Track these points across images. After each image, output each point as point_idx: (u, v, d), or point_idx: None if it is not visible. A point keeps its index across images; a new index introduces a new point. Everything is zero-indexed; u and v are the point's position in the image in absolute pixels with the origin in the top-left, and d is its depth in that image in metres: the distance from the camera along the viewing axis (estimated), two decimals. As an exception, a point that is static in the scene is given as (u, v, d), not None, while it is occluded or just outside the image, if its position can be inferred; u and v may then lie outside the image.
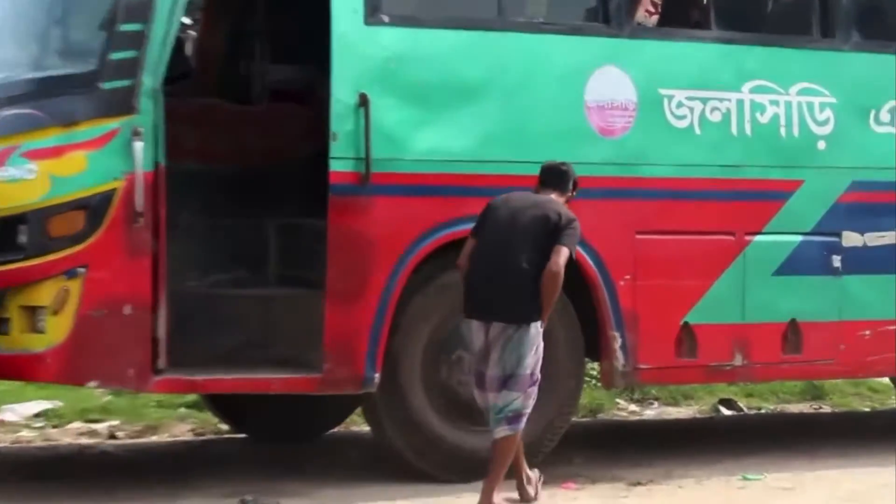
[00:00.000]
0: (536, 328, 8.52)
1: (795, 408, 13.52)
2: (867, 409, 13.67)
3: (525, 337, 8.46)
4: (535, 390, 8.56)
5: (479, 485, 9.23)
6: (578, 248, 9.58)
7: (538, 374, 8.60)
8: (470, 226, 9.14)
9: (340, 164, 9.14)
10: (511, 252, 8.58)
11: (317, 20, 9.29)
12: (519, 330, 8.47)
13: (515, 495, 8.93)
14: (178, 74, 9.33)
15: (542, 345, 8.58)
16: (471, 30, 9.64)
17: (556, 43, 9.85)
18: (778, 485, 9.80)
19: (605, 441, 10.09)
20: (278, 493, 9.12)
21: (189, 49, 10.59)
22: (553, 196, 8.83)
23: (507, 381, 8.45)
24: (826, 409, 13.50)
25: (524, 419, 8.57)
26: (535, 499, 9.01)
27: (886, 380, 13.50)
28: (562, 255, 8.54)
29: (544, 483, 9.23)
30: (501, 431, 8.53)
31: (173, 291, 8.93)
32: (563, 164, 9.02)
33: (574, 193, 8.96)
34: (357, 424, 11.20)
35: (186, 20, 9.40)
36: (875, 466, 10.31)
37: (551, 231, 8.55)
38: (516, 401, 8.46)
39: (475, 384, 8.72)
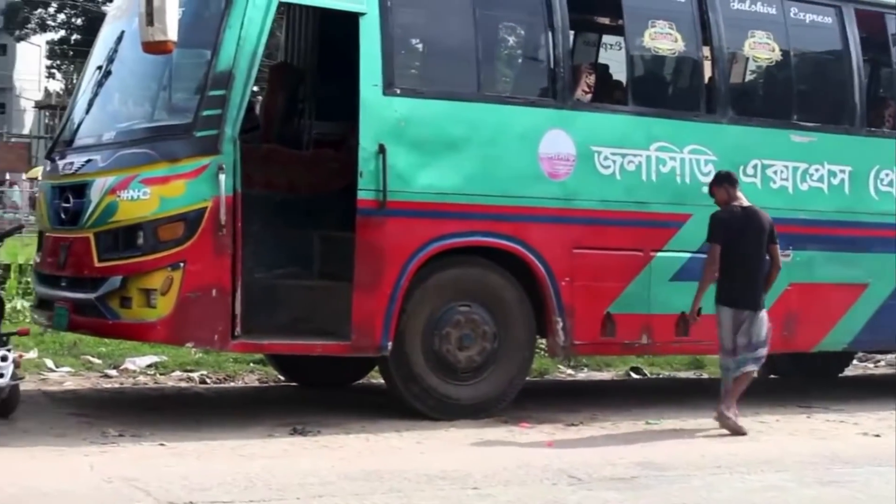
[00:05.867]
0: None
1: (683, 374, 13.42)
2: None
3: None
4: None
5: (460, 423, 9.23)
6: (532, 257, 9.56)
7: None
8: (453, 241, 9.32)
9: (365, 193, 9.02)
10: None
11: (348, 90, 9.22)
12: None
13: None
14: (249, 127, 9.30)
15: None
16: (457, 100, 9.50)
17: (519, 111, 9.72)
18: (671, 427, 9.71)
19: (549, 395, 10.00)
20: (319, 425, 9.04)
21: (257, 109, 10.52)
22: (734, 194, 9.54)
23: None
24: (705, 375, 13.39)
25: None
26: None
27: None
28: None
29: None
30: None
31: (246, 281, 8.84)
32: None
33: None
34: (374, 378, 11.08)
35: (255, 88, 9.28)
36: (707, 417, 9.95)
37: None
38: None
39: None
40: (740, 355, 9.45)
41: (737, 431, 9.33)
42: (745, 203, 9.60)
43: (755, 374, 9.64)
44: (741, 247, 9.45)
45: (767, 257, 9.54)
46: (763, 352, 9.51)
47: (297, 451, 8.24)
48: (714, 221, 9.60)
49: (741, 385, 9.50)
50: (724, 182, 9.66)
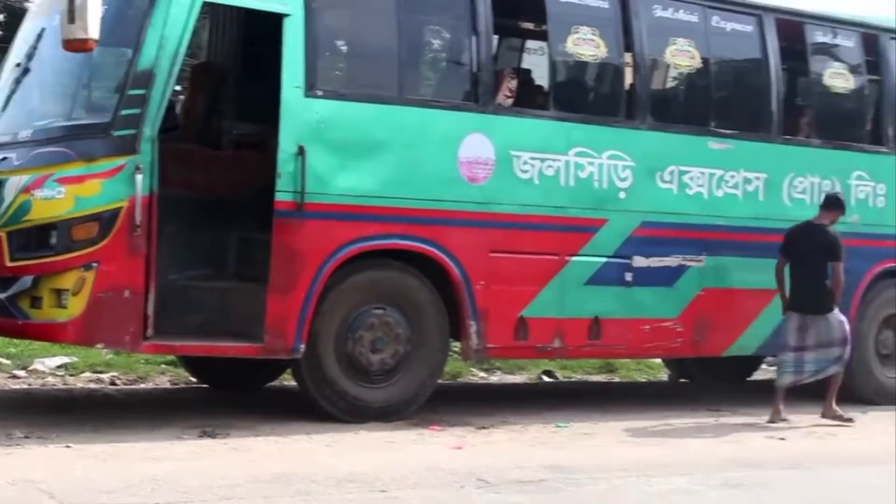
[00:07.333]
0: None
1: (595, 378, 13.56)
2: (644, 380, 13.75)
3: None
4: None
5: (371, 425, 9.29)
6: (448, 260, 9.65)
7: None
8: (370, 243, 9.39)
9: (283, 195, 9.05)
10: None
11: (271, 91, 9.23)
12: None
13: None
14: (169, 127, 9.22)
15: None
16: (378, 103, 9.55)
17: (440, 115, 9.79)
18: (580, 430, 9.82)
19: (461, 398, 10.10)
20: (229, 427, 9.04)
21: (178, 109, 10.49)
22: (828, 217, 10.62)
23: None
24: (616, 379, 13.56)
25: None
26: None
27: (659, 360, 13.62)
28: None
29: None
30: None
31: (159, 282, 8.82)
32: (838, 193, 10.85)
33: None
34: (286, 380, 11.11)
35: (177, 88, 9.26)
36: (616, 421, 10.26)
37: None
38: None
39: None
40: (812, 355, 10.51)
41: (843, 419, 10.61)
42: (820, 222, 10.66)
43: (841, 374, 10.70)
44: (803, 260, 10.53)
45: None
46: (837, 351, 10.53)
47: (205, 453, 8.23)
48: (784, 237, 10.67)
49: (833, 386, 10.67)
50: (835, 208, 10.74)
